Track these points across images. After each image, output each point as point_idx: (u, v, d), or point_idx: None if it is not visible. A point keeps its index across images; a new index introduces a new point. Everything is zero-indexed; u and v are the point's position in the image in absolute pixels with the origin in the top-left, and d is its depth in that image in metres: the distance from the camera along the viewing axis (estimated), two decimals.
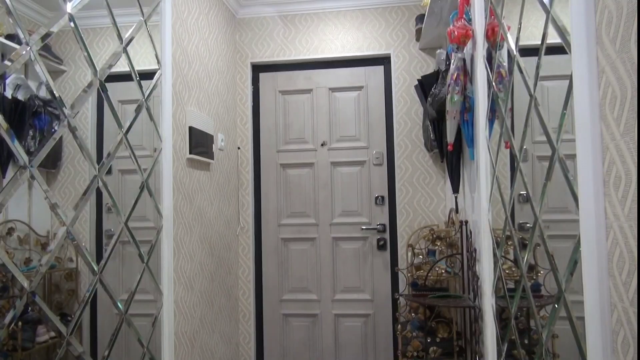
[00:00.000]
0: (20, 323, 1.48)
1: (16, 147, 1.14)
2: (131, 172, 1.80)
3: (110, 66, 1.58)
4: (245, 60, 3.21)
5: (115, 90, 1.83)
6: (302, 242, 3.20)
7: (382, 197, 3.12)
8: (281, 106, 3.27)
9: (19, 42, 1.19)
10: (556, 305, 1.08)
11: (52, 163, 1.63)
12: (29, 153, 1.23)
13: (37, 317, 1.32)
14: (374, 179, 3.16)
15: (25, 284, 1.17)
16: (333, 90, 3.26)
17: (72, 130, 1.36)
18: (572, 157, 0.89)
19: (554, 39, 1.00)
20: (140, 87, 1.79)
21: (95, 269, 1.45)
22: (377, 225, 3.13)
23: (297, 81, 3.31)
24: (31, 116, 1.54)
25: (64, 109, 1.33)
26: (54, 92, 1.29)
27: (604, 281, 0.78)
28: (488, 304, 1.69)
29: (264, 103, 3.29)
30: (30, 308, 1.22)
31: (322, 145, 3.23)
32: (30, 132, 1.53)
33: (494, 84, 1.54)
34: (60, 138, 1.54)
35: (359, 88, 3.20)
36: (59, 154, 1.65)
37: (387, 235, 3.11)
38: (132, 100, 1.82)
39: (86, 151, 1.45)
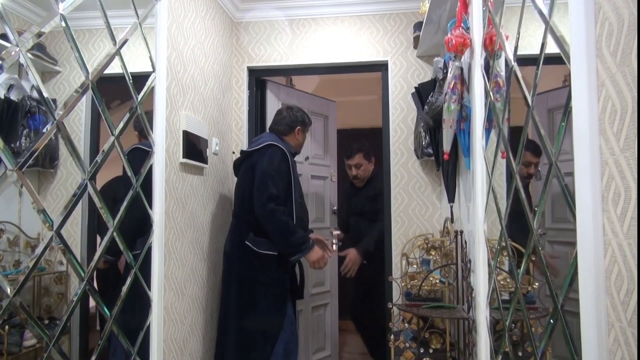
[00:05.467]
0: (7, 327, 1.46)
1: (2, 151, 1.11)
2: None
3: (103, 68, 1.55)
4: (242, 65, 3.19)
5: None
6: None
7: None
8: None
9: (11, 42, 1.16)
10: (551, 321, 1.06)
11: (49, 163, 1.61)
12: (20, 153, 1.21)
13: (20, 321, 1.29)
14: None
15: (8, 289, 1.14)
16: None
17: (61, 132, 1.33)
18: (570, 167, 0.88)
19: (552, 49, 0.99)
20: (134, 90, 1.77)
21: (83, 274, 1.42)
22: None
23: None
24: (24, 116, 1.52)
25: (52, 110, 1.30)
26: (43, 93, 1.27)
27: (601, 300, 0.76)
28: (482, 315, 1.67)
29: (270, 113, 3.28)
30: (11, 312, 1.19)
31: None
32: (24, 133, 1.51)
33: (491, 93, 1.53)
34: (57, 138, 1.51)
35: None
36: (55, 154, 1.63)
37: (381, 244, 3.10)
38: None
39: (76, 154, 1.42)
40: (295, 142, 2.74)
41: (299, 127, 2.73)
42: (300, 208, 2.65)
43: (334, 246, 2.89)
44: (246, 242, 2.46)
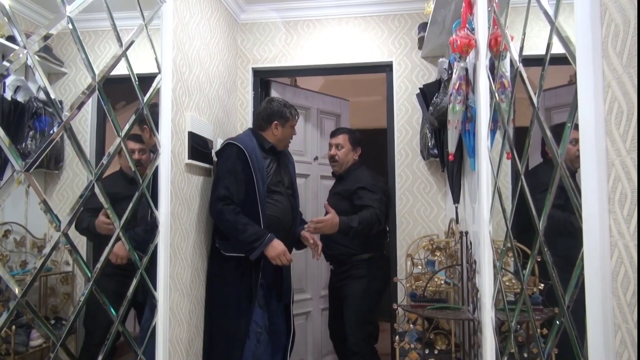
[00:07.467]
0: (13, 327, 1.46)
1: (10, 152, 1.12)
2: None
3: (110, 69, 1.56)
4: (247, 65, 3.19)
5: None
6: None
7: None
8: None
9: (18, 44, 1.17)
10: (557, 322, 1.06)
11: (54, 164, 1.62)
12: (27, 155, 1.22)
13: (27, 321, 1.30)
14: None
15: (16, 289, 1.15)
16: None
17: (68, 133, 1.34)
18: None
19: (558, 49, 0.99)
20: (140, 91, 1.78)
21: (89, 275, 1.43)
22: None
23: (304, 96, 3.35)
24: (31, 118, 1.53)
25: (59, 111, 1.31)
26: (50, 94, 1.28)
27: (607, 301, 0.76)
28: (487, 316, 1.67)
29: None
30: (19, 312, 1.20)
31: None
32: (30, 134, 1.52)
33: (496, 94, 1.53)
34: (62, 140, 1.52)
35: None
36: (60, 156, 1.64)
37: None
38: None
39: (83, 155, 1.43)
40: (273, 138, 2.57)
41: (276, 122, 2.55)
42: (275, 205, 2.51)
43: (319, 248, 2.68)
44: (216, 244, 2.48)
